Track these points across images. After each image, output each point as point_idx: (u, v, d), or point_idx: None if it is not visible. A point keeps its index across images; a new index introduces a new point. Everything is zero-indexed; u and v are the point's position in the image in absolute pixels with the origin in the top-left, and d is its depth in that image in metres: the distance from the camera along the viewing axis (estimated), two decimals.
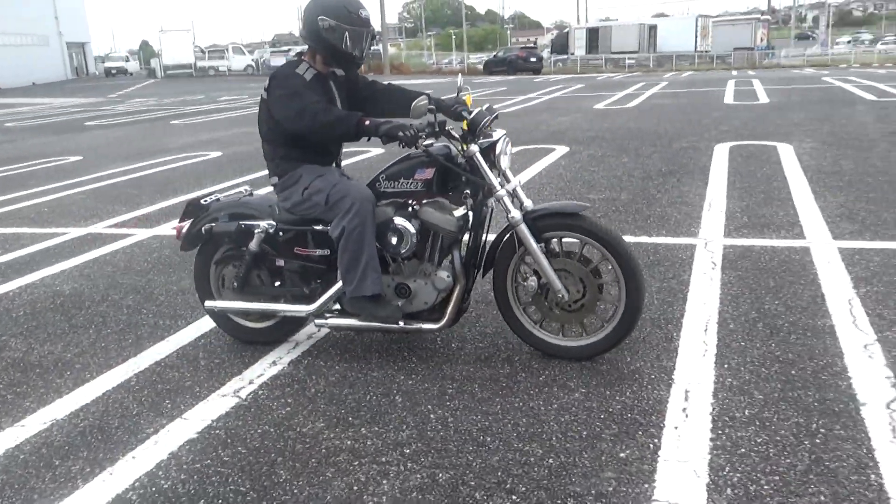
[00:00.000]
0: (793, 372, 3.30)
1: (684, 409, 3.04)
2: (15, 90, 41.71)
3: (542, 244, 3.35)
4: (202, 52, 55.49)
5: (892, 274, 4.47)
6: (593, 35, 53.06)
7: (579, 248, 3.41)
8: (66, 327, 4.39)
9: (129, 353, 3.95)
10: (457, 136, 3.38)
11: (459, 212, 3.41)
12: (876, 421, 2.86)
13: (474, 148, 3.34)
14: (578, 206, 3.45)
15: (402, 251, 3.41)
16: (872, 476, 2.51)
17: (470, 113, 3.42)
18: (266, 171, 3.74)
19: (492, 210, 3.55)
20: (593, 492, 2.52)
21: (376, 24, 49.95)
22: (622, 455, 2.73)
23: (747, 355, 3.43)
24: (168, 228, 6.74)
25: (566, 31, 60.93)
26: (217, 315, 3.94)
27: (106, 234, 6.73)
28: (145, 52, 61.75)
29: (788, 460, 2.64)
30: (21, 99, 34.69)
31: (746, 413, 2.98)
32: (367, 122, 3.23)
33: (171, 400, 3.37)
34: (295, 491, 2.63)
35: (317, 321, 3.66)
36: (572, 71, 46.12)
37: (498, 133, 3.45)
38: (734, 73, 35.18)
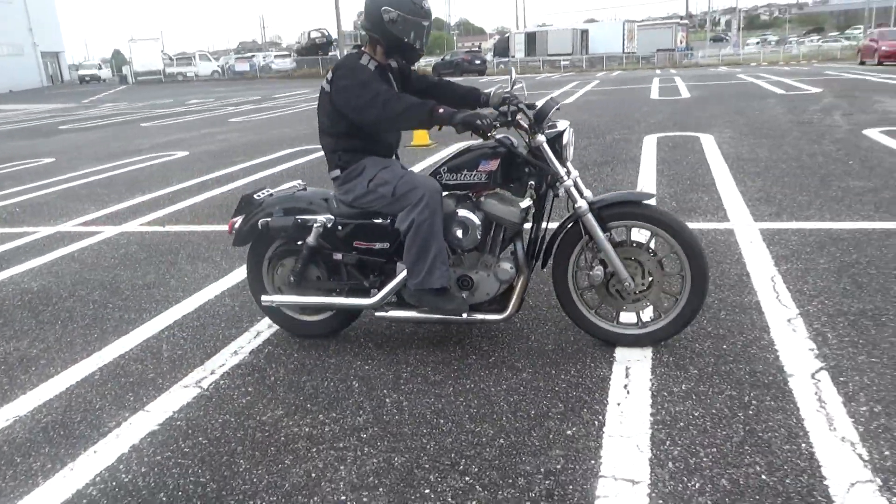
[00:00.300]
0: (724, 346, 3.21)
1: (626, 386, 2.92)
2: None
3: (607, 233, 3.11)
4: (170, 59, 53.99)
5: (809, 252, 4.43)
6: (531, 39, 53.01)
7: (646, 237, 3.17)
8: (33, 324, 4.10)
9: (94, 347, 3.69)
10: (526, 125, 3.07)
11: (524, 203, 3.15)
12: (803, 391, 2.78)
13: (542, 138, 3.06)
14: (644, 194, 3.21)
15: (467, 243, 3.14)
16: (803, 445, 2.42)
17: (530, 106, 3.11)
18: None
19: (552, 200, 3.27)
20: (542, 469, 2.39)
21: (333, 32, 49.27)
22: (569, 433, 2.60)
23: (681, 332, 3.33)
24: (136, 225, 6.43)
25: (507, 35, 60.80)
26: (271, 310, 3.60)
27: (75, 232, 6.38)
28: (117, 59, 59.88)
29: (724, 432, 2.53)
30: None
31: (683, 387, 2.88)
32: (441, 111, 2.95)
33: (133, 393, 3.14)
34: (254, 480, 2.44)
35: (377, 313, 3.35)
36: None
37: (563, 123, 3.18)
38: (658, 71, 35.47)
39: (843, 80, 19.50)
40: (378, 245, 3.30)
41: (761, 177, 6.71)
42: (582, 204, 3.07)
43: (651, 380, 2.96)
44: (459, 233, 3.12)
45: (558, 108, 3.14)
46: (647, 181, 6.89)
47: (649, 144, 9.16)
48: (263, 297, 3.53)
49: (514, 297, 3.18)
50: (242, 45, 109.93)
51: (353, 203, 3.27)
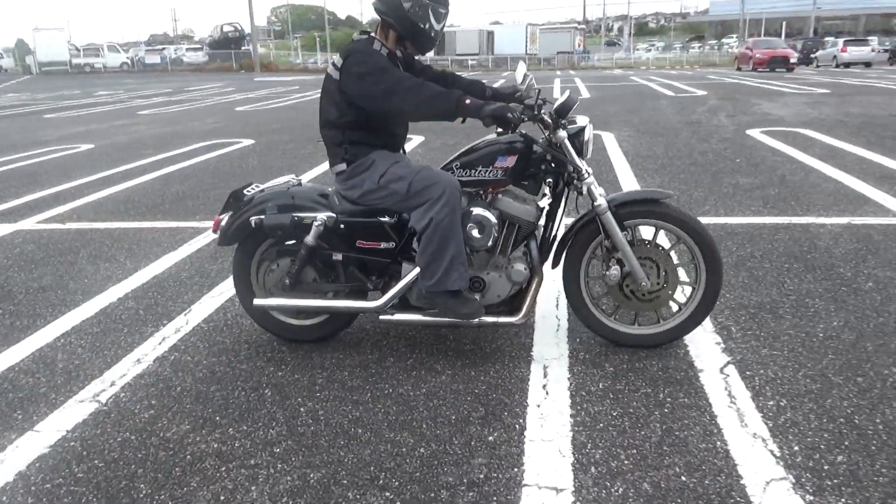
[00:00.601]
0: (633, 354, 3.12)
1: (544, 387, 2.78)
2: None
3: (625, 232, 2.91)
4: (77, 49, 50.63)
5: None
6: (440, 39, 52.84)
7: (667, 237, 3.01)
8: None
9: None
10: (549, 119, 2.80)
11: (541, 201, 2.93)
12: (713, 387, 2.72)
13: (563, 133, 2.82)
14: (661, 193, 3.01)
15: (482, 244, 2.87)
16: (718, 443, 2.34)
17: (544, 101, 2.86)
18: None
19: (566, 198, 3.01)
20: (465, 480, 2.20)
21: (246, 27, 47.54)
22: (490, 438, 2.43)
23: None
24: (32, 223, 5.83)
25: None
26: (259, 313, 3.22)
27: None
28: (20, 49, 55.63)
29: (643, 432, 2.43)
30: None
31: (601, 386, 2.76)
32: (468, 102, 2.65)
33: (22, 410, 2.75)
34: None
35: (382, 317, 3.02)
36: None
37: (582, 119, 2.94)
38: (558, 72, 36.08)
39: (724, 84, 20.33)
40: (384, 244, 2.99)
41: (660, 173, 6.78)
42: (602, 202, 2.86)
43: (569, 379, 2.83)
44: (475, 232, 2.86)
45: (578, 104, 2.92)
46: None
47: None
48: (256, 300, 3.13)
49: (529, 299, 2.94)
50: (153, 37, 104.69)
51: (360, 200, 2.94)
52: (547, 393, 2.73)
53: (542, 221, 2.99)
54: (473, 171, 2.88)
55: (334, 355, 3.12)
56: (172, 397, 2.80)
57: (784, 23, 56.46)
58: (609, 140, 9.06)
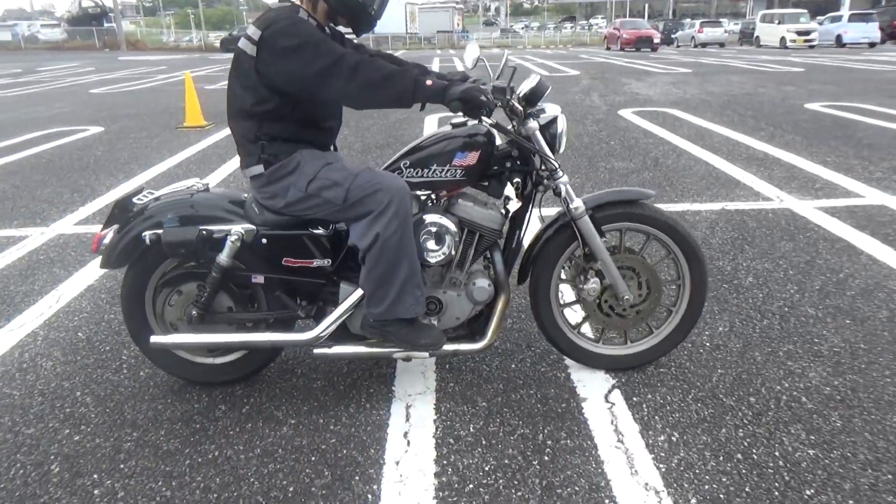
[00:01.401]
0: (512, 366, 2.69)
1: (406, 434, 2.28)
2: None
3: (603, 239, 2.44)
4: None
5: None
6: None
7: (643, 242, 2.55)
8: None
9: None
10: (520, 107, 2.29)
11: (513, 204, 2.43)
12: (598, 420, 2.31)
13: (534, 124, 2.30)
14: (641, 192, 2.50)
15: (437, 258, 2.32)
16: (607, 502, 1.93)
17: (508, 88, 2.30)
18: None
19: (534, 201, 2.46)
20: None
21: (108, 1, 43.55)
22: None
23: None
24: None
25: None
26: (158, 353, 2.49)
27: None
28: None
29: (520, 493, 1.98)
30: None
31: (471, 429, 2.29)
32: (430, 83, 2.08)
33: None
34: None
35: (316, 350, 2.39)
36: None
37: (553, 108, 2.41)
38: (438, 51, 35.61)
39: (595, 64, 20.57)
40: (317, 262, 2.35)
41: None
42: (579, 204, 2.39)
43: (435, 421, 2.34)
44: (431, 244, 2.31)
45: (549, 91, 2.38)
46: None
47: (430, 124, 8.66)
48: (154, 338, 2.41)
49: (494, 321, 2.41)
50: (8, 12, 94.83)
51: (285, 211, 2.29)
52: (408, 443, 2.23)
53: (506, 228, 2.47)
54: (426, 171, 2.32)
55: (151, 406, 2.48)
56: None
57: (647, 4, 58.71)
58: None
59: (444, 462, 2.12)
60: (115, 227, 2.39)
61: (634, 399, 2.43)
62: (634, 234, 2.54)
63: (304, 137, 2.29)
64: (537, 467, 2.08)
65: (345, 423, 2.34)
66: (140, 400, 2.53)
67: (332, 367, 2.71)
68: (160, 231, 2.30)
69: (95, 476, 2.12)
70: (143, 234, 2.31)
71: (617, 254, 2.52)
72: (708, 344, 2.81)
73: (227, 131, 7.01)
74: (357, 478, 2.07)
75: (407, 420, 2.35)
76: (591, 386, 2.52)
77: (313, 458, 2.17)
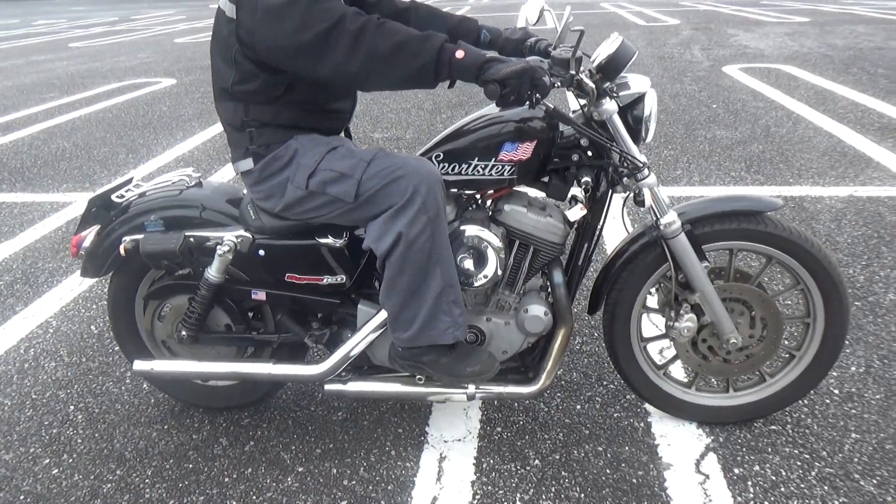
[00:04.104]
0: (577, 407, 2.15)
1: (434, 501, 1.80)
2: None
3: (707, 262, 1.82)
4: None
5: None
6: None
7: (760, 265, 1.93)
8: None
9: None
10: (591, 84, 1.67)
11: (575, 212, 1.75)
12: (686, 502, 1.76)
13: (611, 106, 1.71)
14: (762, 201, 1.83)
15: (481, 281, 1.78)
16: None
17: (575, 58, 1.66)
18: None
19: (609, 205, 1.85)
20: None
21: None
22: None
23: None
24: None
25: None
26: (152, 375, 2.06)
27: None
28: None
29: None
30: None
31: (518, 500, 1.78)
32: (461, 54, 1.50)
33: None
34: None
35: (328, 387, 1.91)
36: None
37: (640, 81, 1.78)
38: None
39: (698, 11, 18.88)
40: (328, 279, 1.86)
41: None
42: (672, 219, 1.77)
43: (473, 483, 1.85)
44: (467, 264, 1.76)
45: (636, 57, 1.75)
46: None
47: None
48: (137, 364, 2.01)
49: (551, 361, 1.87)
50: None
51: (284, 213, 1.81)
52: None
53: (570, 241, 1.92)
54: (465, 167, 1.77)
55: (146, 431, 2.11)
56: None
57: None
58: None
59: None
60: (96, 227, 1.98)
61: (736, 471, 1.85)
62: (750, 254, 1.91)
63: (307, 124, 1.77)
64: None
65: (361, 478, 1.89)
66: (135, 423, 2.16)
67: (351, 405, 2.25)
68: (139, 237, 1.87)
69: None
70: (122, 240, 1.88)
71: (723, 281, 1.91)
72: (837, 392, 2.17)
73: None
74: None
75: (438, 479, 1.87)
76: (679, 446, 1.96)
77: None
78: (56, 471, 1.97)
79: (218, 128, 6.10)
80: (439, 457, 1.96)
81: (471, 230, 1.77)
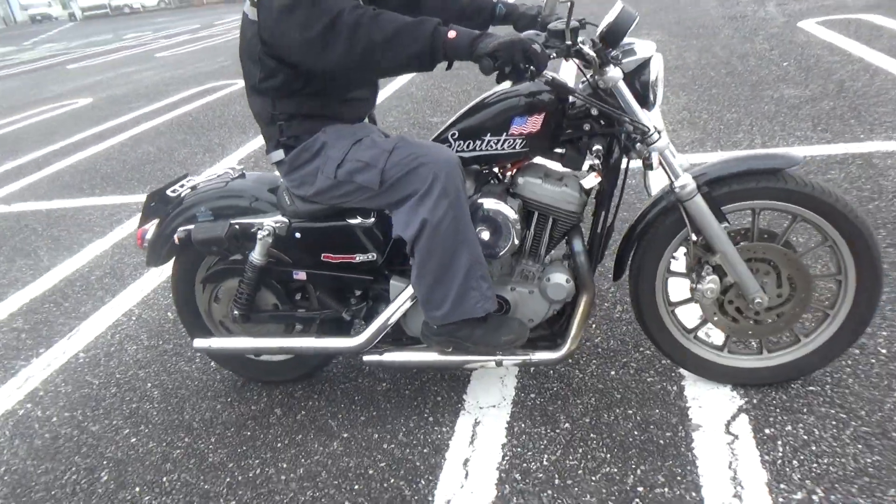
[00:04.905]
0: (612, 373, 2.19)
1: (466, 462, 1.90)
2: None
3: (724, 224, 1.84)
4: None
5: None
6: None
7: (787, 223, 1.89)
8: None
9: None
10: (592, 53, 1.72)
11: (589, 180, 1.84)
12: (711, 463, 1.78)
13: (615, 73, 1.74)
14: (782, 157, 1.82)
15: (499, 250, 1.88)
16: None
17: (581, 23, 1.78)
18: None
19: (626, 172, 1.94)
20: None
21: None
22: None
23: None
24: None
25: None
26: (212, 352, 2.34)
27: None
28: None
29: None
30: None
31: (545, 461, 1.86)
32: (454, 35, 1.58)
33: None
34: None
35: (366, 358, 2.08)
36: None
37: (646, 46, 1.81)
38: None
39: None
40: (360, 257, 2.00)
41: (687, 90, 5.53)
42: (687, 181, 1.79)
43: (504, 446, 1.94)
44: (485, 235, 1.87)
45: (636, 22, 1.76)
46: None
47: None
48: (196, 342, 2.25)
49: (574, 327, 1.94)
50: None
51: (315, 198, 1.95)
52: (466, 476, 1.85)
53: (590, 209, 1.96)
54: (479, 143, 1.85)
55: (212, 404, 2.32)
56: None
57: None
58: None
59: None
60: (156, 221, 2.19)
61: (767, 431, 1.85)
62: (775, 213, 1.90)
63: (329, 113, 1.89)
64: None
65: (400, 442, 2.02)
66: (202, 397, 2.38)
67: (395, 374, 2.38)
68: (191, 227, 2.07)
69: (137, 489, 1.98)
70: (177, 231, 2.08)
71: (748, 241, 1.90)
72: (884, 352, 2.10)
73: None
74: None
75: (471, 443, 1.97)
76: (710, 408, 1.97)
77: (356, 487, 1.87)
78: (134, 439, 2.21)
79: None
80: (474, 422, 2.06)
81: (487, 203, 1.85)
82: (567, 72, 6.00)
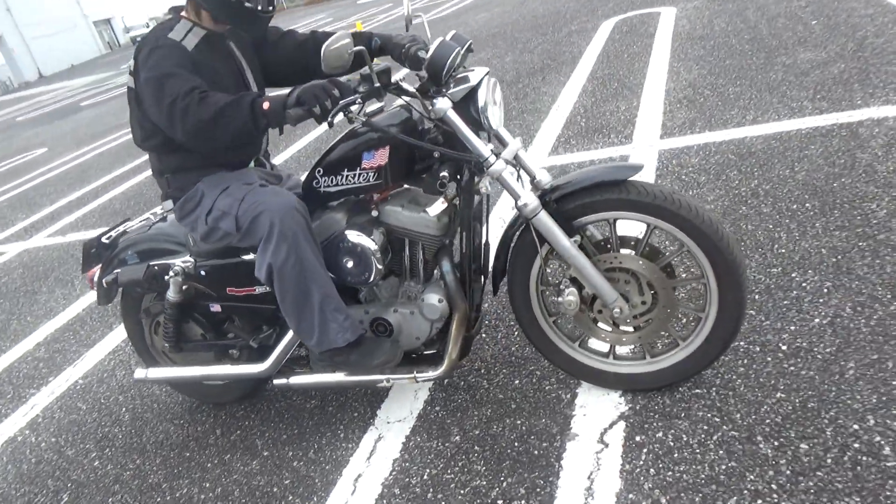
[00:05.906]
0: (516, 382, 2.26)
1: (357, 479, 2.05)
2: (57, 75, 39.90)
3: (578, 236, 1.91)
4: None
5: (703, 183, 3.29)
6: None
7: (644, 233, 1.89)
8: None
9: None
10: (412, 88, 1.89)
11: (438, 205, 1.95)
12: (574, 473, 1.83)
13: (444, 104, 1.83)
14: (624, 168, 1.86)
15: (366, 278, 2.02)
16: None
17: (411, 51, 2.00)
18: None
19: (488, 193, 2.00)
20: None
21: None
22: None
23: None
24: (43, 237, 5.76)
25: None
26: (152, 382, 2.63)
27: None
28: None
29: None
30: (54, 85, 33.06)
31: (426, 475, 1.98)
32: (267, 105, 1.76)
33: None
34: None
35: (276, 381, 2.26)
36: None
37: (477, 72, 1.89)
38: None
39: None
40: (259, 289, 2.18)
41: (699, 63, 5.33)
42: (527, 199, 1.85)
43: (395, 461, 2.07)
44: (350, 264, 2.01)
45: (467, 49, 1.88)
46: (571, 91, 5.64)
47: (602, 33, 7.69)
48: (136, 373, 2.50)
49: (451, 342, 2.04)
50: None
51: (204, 241, 2.18)
52: (353, 491, 2.00)
53: (454, 230, 2.06)
54: (341, 178, 1.99)
55: (168, 427, 2.58)
56: None
57: None
58: (666, 20, 7.44)
59: None
60: (98, 265, 2.46)
61: (637, 439, 1.89)
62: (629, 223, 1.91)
63: (211, 163, 2.09)
64: None
65: (309, 460, 2.19)
66: (162, 420, 2.65)
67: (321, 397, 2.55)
68: (118, 271, 2.32)
69: None
70: (106, 277, 2.34)
71: (605, 252, 1.92)
72: (784, 348, 2.07)
73: None
74: None
75: (368, 458, 2.12)
76: (593, 416, 2.02)
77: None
78: (97, 462, 2.50)
79: (318, 131, 6.67)
80: (377, 437, 2.20)
81: (350, 235, 1.99)
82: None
